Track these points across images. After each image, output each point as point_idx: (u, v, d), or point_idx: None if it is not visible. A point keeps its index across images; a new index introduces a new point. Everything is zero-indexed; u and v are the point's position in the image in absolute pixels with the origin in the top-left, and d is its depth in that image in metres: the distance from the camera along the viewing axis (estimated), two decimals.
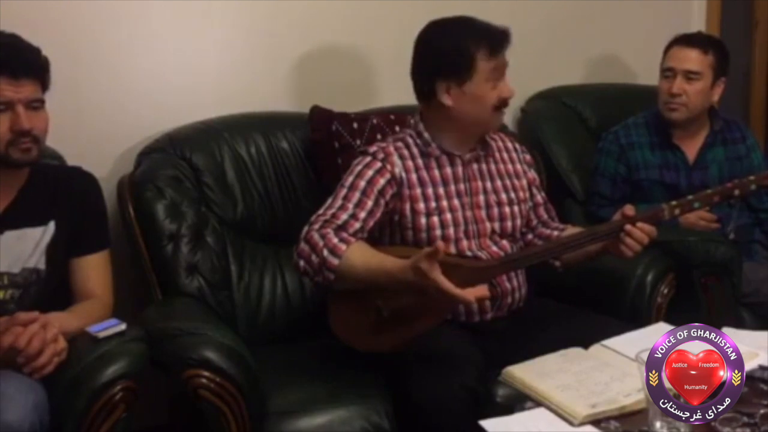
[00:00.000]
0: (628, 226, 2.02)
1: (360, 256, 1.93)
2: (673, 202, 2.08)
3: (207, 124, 2.49)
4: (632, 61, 3.33)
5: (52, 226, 1.96)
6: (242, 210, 2.42)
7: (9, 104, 1.84)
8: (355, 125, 2.49)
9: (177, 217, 2.29)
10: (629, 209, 2.05)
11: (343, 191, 2.05)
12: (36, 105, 1.89)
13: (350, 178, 2.07)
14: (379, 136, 2.45)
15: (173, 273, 2.26)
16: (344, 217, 2.00)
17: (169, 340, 1.90)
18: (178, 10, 2.56)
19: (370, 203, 2.03)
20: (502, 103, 2.11)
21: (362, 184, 2.05)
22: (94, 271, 2.02)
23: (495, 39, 2.07)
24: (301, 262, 1.96)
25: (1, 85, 1.83)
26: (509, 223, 2.17)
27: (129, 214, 2.30)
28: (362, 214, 2.02)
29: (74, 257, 2.00)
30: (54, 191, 1.99)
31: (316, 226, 1.97)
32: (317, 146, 2.49)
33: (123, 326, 1.83)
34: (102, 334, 1.80)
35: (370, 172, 2.06)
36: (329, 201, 2.05)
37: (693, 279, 2.44)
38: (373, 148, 2.12)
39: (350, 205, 2.02)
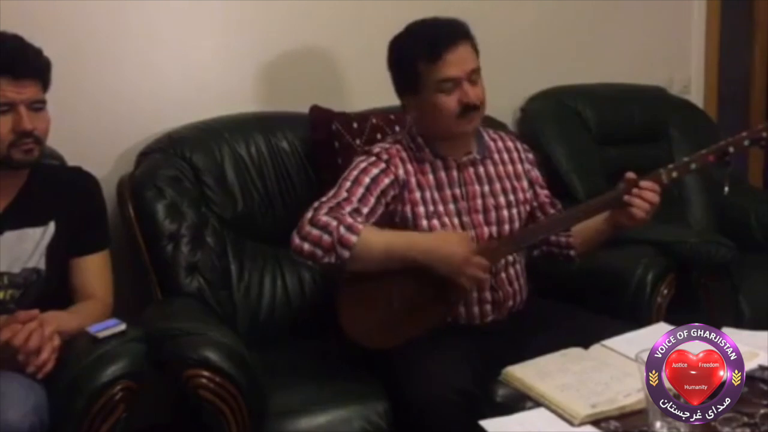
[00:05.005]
0: (635, 189, 2.03)
1: (378, 234, 1.94)
2: (670, 165, 2.09)
3: (207, 124, 2.49)
4: (632, 61, 3.33)
5: (52, 226, 1.96)
6: (242, 210, 2.42)
7: (11, 105, 1.85)
8: (355, 125, 2.49)
9: (177, 217, 2.30)
10: (631, 174, 2.07)
11: (347, 184, 2.03)
12: (38, 106, 1.90)
13: (354, 173, 2.05)
14: (379, 136, 2.45)
15: (173, 273, 2.27)
16: (348, 208, 1.98)
17: (169, 340, 1.90)
18: (179, 10, 2.56)
19: (372, 201, 2.02)
20: (467, 109, 2.03)
21: (366, 180, 2.03)
22: (94, 271, 2.02)
23: (433, 43, 2.01)
24: (306, 246, 1.93)
25: (3, 86, 1.83)
26: (507, 227, 2.15)
27: (129, 214, 2.30)
28: (365, 210, 2.00)
29: (74, 257, 2.01)
30: (54, 191, 1.99)
31: (323, 211, 1.96)
32: (317, 146, 2.49)
33: (123, 326, 1.83)
34: (102, 334, 1.80)
35: (375, 170, 2.05)
36: (333, 191, 2.03)
37: (693, 279, 2.44)
38: (376, 149, 2.11)
39: (354, 199, 2.00)
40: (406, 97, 2.10)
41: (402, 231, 2.03)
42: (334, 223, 1.92)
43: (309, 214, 1.97)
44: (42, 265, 1.94)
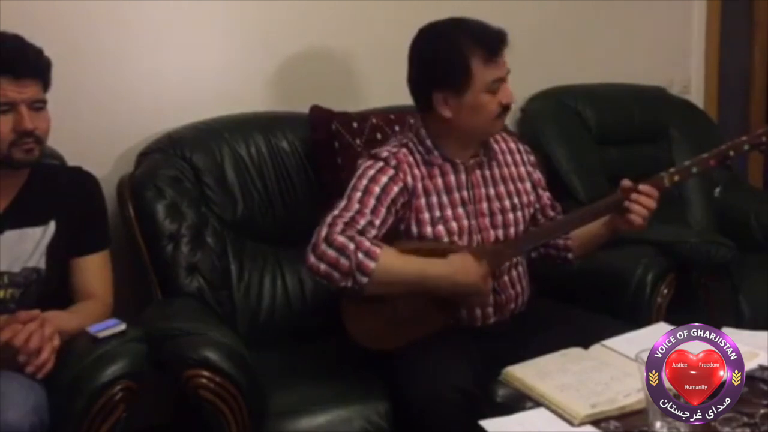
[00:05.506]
0: (633, 195, 2.04)
1: (397, 258, 1.92)
2: (672, 169, 2.10)
3: (207, 124, 2.49)
4: (633, 61, 3.33)
5: (52, 225, 1.96)
6: (242, 210, 2.42)
7: (12, 105, 1.85)
8: (355, 125, 2.49)
9: (177, 217, 2.30)
10: (626, 181, 2.07)
11: (358, 194, 1.98)
12: (38, 105, 1.90)
13: (364, 182, 2.00)
14: (379, 136, 2.45)
15: (173, 273, 2.27)
16: (362, 222, 1.94)
17: (169, 340, 1.90)
18: (179, 10, 2.56)
19: (383, 211, 1.97)
20: (504, 110, 2.06)
21: (376, 190, 1.98)
22: (94, 270, 2.02)
23: (490, 43, 2.00)
24: (323, 266, 1.88)
25: (4, 85, 1.83)
26: (512, 230, 2.14)
27: (129, 214, 2.30)
28: (377, 222, 1.96)
29: (74, 257, 2.00)
30: (54, 191, 1.99)
31: (338, 229, 1.90)
32: (317, 146, 2.49)
33: (123, 326, 1.83)
34: (102, 334, 1.80)
35: (384, 179, 2.00)
36: (343, 203, 1.98)
37: (693, 279, 2.44)
38: (383, 153, 2.05)
39: (367, 211, 1.95)
40: (442, 95, 2.02)
41: (416, 246, 1.99)
42: (352, 246, 1.87)
43: (324, 232, 1.91)
44: (42, 265, 1.94)
